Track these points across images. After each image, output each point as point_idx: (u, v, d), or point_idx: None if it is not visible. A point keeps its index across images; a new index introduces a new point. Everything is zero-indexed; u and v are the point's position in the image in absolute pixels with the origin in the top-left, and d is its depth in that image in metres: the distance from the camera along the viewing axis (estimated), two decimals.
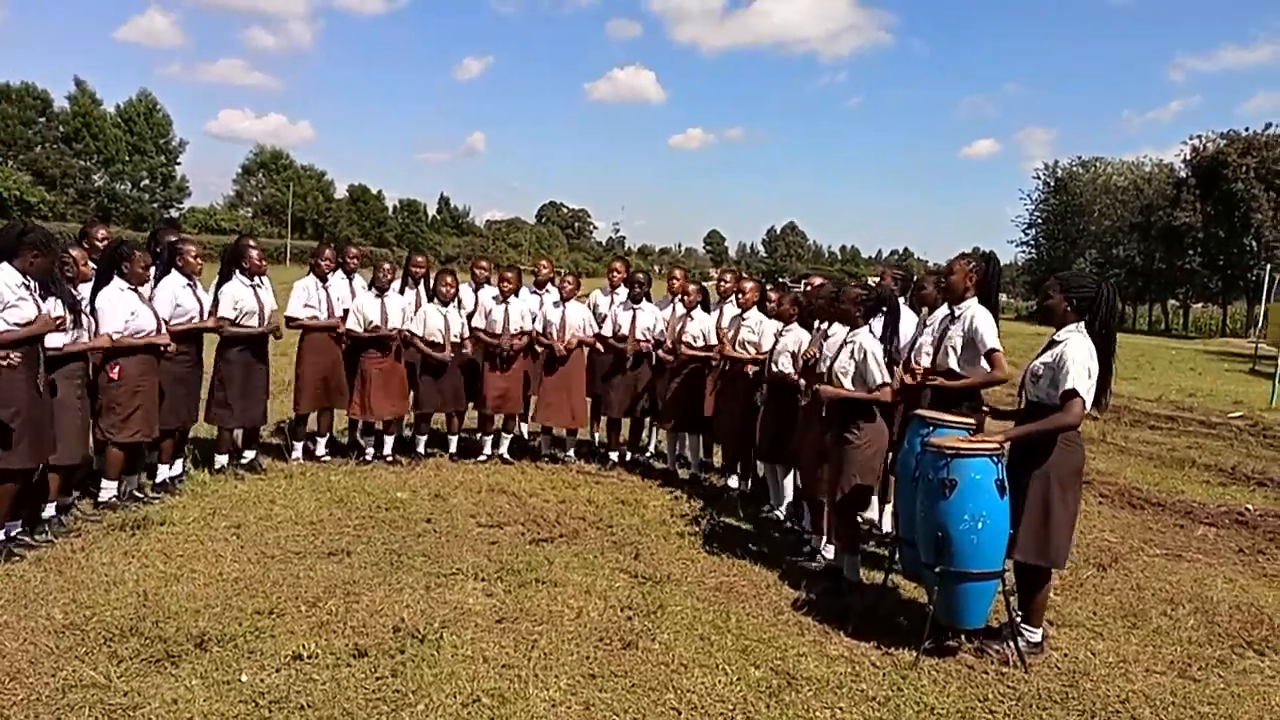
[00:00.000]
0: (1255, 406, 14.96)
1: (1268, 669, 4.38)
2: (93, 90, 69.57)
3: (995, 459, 4.20)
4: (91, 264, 5.93)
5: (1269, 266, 27.94)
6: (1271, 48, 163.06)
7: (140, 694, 3.59)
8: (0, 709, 3.44)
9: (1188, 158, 49.73)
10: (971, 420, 4.74)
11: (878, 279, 7.20)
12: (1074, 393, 4.14)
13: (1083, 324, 4.38)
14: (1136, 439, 11.24)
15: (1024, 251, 64.47)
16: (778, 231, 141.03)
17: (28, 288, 4.98)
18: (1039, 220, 63.35)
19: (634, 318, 8.02)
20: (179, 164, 75.95)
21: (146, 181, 73.41)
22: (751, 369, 6.88)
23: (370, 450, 7.80)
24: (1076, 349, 4.23)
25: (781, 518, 6.73)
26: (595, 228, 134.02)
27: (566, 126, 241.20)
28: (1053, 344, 4.40)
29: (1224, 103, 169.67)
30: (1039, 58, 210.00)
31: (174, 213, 73.78)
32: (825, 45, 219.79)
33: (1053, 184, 62.59)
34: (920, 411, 4.86)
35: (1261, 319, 29.38)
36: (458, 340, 7.76)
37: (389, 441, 7.85)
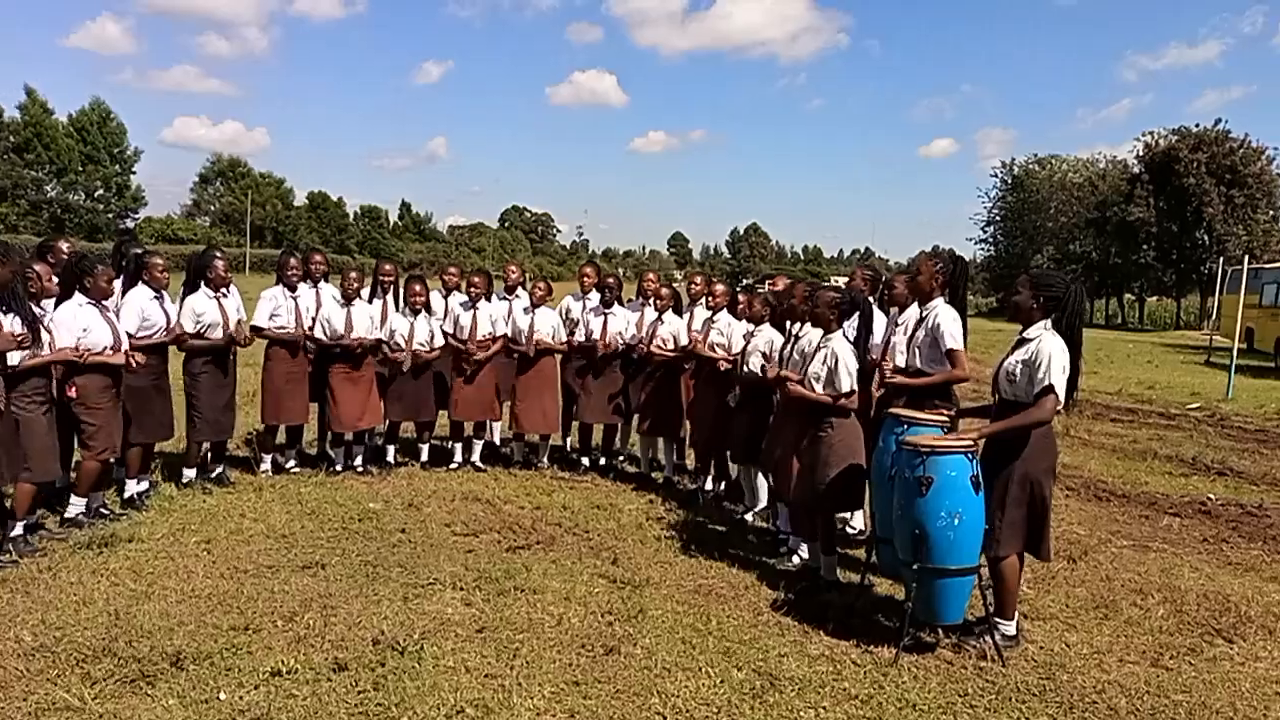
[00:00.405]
0: (1212, 398, 15.27)
1: (1237, 656, 4.47)
2: (44, 99, 68.09)
3: (970, 456, 4.26)
4: (55, 279, 5.81)
5: (1222, 260, 28.55)
6: (1217, 46, 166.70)
7: (117, 715, 3.53)
8: None
9: (1140, 154, 50.57)
10: (945, 418, 4.79)
11: (847, 279, 7.25)
12: (1050, 389, 4.20)
13: (1050, 321, 4.44)
14: (1099, 432, 11.43)
15: (983, 249, 65.17)
16: (741, 233, 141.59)
17: None
18: (997, 218, 64.11)
19: (605, 323, 8.01)
20: (134, 173, 74.51)
21: (101, 191, 71.93)
22: (724, 365, 6.90)
23: (340, 461, 7.72)
24: (1050, 346, 4.30)
25: (755, 519, 6.76)
26: (559, 231, 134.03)
27: (528, 130, 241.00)
28: (1023, 342, 4.46)
29: (1175, 100, 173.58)
30: (994, 58, 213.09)
31: (130, 223, 72.42)
32: (784, 48, 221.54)
33: (1010, 182, 63.37)
34: (895, 410, 4.91)
35: (1215, 312, 30.04)
36: (421, 348, 7.70)
37: (359, 452, 7.78)
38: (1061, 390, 4.27)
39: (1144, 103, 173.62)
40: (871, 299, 6.16)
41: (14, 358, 5.16)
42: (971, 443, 4.30)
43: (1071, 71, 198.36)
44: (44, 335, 5.38)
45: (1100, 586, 5.45)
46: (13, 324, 5.02)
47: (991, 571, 4.46)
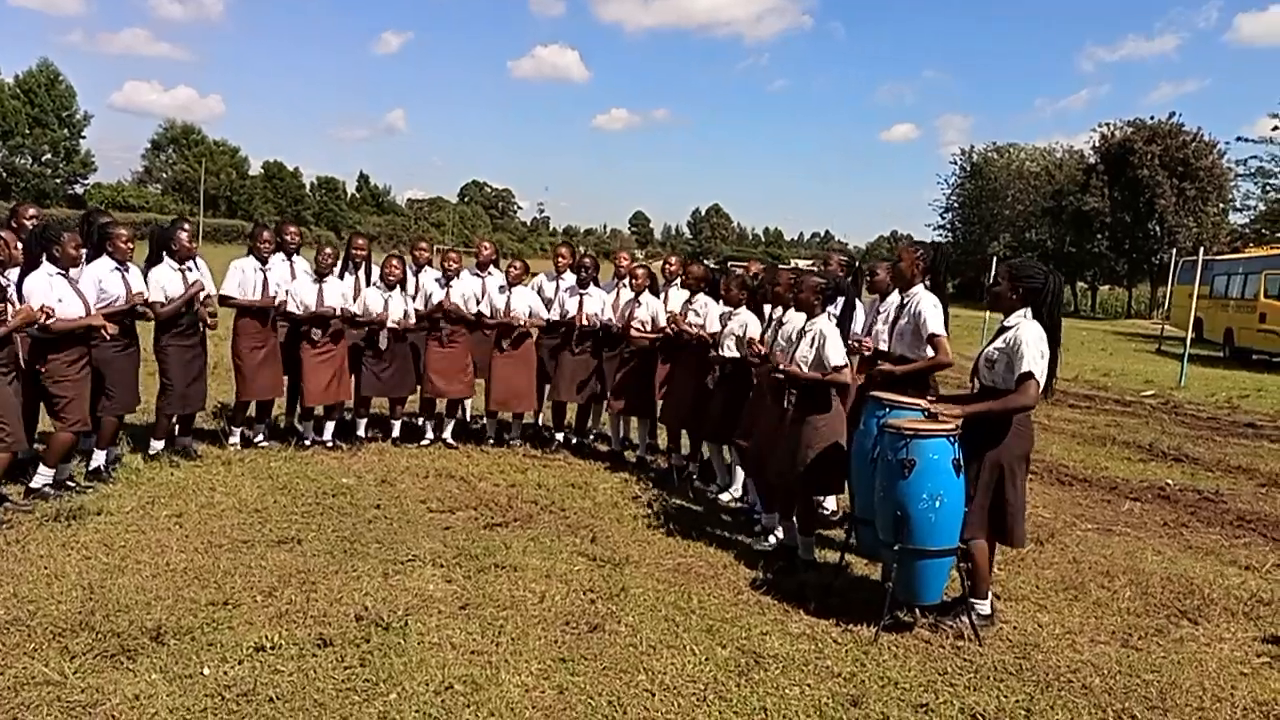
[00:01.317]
0: (1165, 386, 15.66)
1: (1202, 637, 4.61)
2: None
3: (952, 439, 4.32)
4: (19, 247, 5.65)
5: (1174, 251, 29.20)
6: (1173, 39, 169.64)
7: (99, 690, 3.47)
8: None
9: (1096, 145, 51.49)
10: (925, 402, 4.85)
11: (824, 264, 7.29)
12: (1030, 375, 4.27)
13: (1030, 310, 4.51)
14: (1059, 417, 11.66)
15: (941, 235, 65.93)
16: (703, 214, 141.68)
17: None
18: (955, 204, 64.90)
19: (580, 303, 7.98)
20: (83, 138, 72.58)
21: (49, 156, 69.91)
22: (701, 336, 6.90)
23: (309, 436, 7.63)
24: (1029, 333, 4.37)
25: (729, 499, 6.82)
26: (520, 208, 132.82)
27: (489, 104, 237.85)
28: (1003, 330, 4.53)
29: (1131, 92, 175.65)
30: (956, 45, 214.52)
31: (79, 189, 70.66)
32: (749, 28, 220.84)
33: (969, 169, 64.15)
34: (876, 393, 4.97)
35: (1166, 302, 30.75)
36: (397, 324, 7.62)
37: (329, 427, 7.70)
38: (1041, 376, 4.35)
39: (1101, 94, 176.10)
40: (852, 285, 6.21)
41: None
42: (954, 426, 4.36)
43: (1032, 60, 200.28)
44: (8, 304, 5.23)
45: (1068, 569, 5.58)
46: None
47: (964, 554, 4.54)
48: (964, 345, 19.23)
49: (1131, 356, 22.66)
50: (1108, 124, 51.56)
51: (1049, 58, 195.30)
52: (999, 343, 4.49)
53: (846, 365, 5.19)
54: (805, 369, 5.24)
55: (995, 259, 21.96)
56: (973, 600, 4.51)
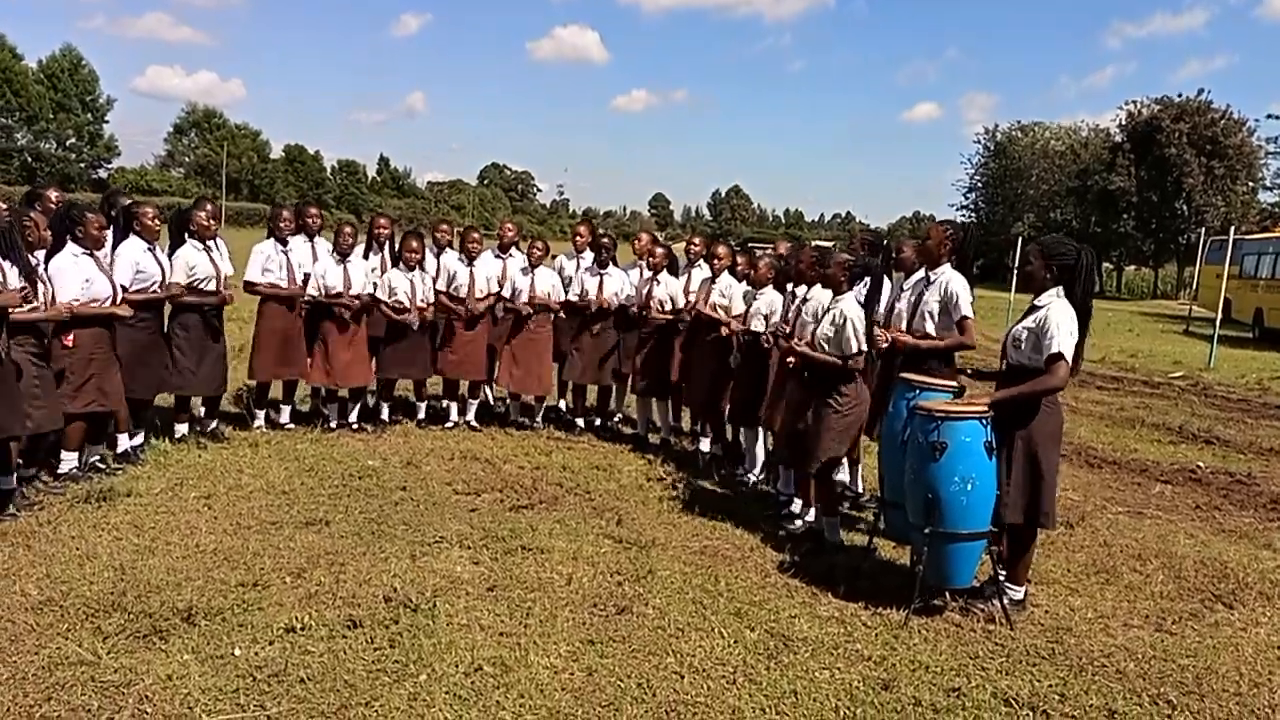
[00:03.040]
0: (1194, 367, 15.45)
1: (1238, 621, 4.54)
2: (12, 45, 66.42)
3: (984, 421, 4.27)
4: (47, 229, 5.67)
5: (1202, 230, 28.77)
6: (1202, 14, 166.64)
7: (133, 670, 3.49)
8: None
9: (1123, 123, 50.68)
10: (956, 383, 4.80)
11: (850, 244, 7.21)
12: (1059, 355, 4.21)
13: (1061, 289, 4.43)
14: (1086, 399, 11.54)
15: (964, 215, 65.25)
16: (722, 194, 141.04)
17: None
18: (979, 184, 64.16)
19: (601, 282, 7.94)
20: (106, 122, 73.11)
21: (73, 140, 70.50)
22: (725, 330, 6.86)
23: (334, 418, 7.65)
24: (1059, 313, 4.30)
25: (754, 481, 6.79)
26: (539, 190, 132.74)
27: (508, 87, 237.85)
28: (1033, 309, 4.46)
29: (1158, 69, 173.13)
30: (979, 23, 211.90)
31: (103, 173, 71.18)
32: (770, 7, 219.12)
33: (992, 148, 63.35)
34: (906, 375, 4.91)
35: (1194, 282, 30.33)
36: (423, 305, 7.63)
37: (353, 409, 7.71)
38: (1070, 356, 4.28)
39: (1127, 71, 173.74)
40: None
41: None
42: (986, 408, 4.30)
43: (1056, 38, 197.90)
44: (39, 286, 5.25)
45: (1099, 552, 5.51)
46: (11, 274, 4.90)
47: (1007, 537, 4.49)
48: (987, 326, 19.07)
49: (1159, 338, 22.39)
50: (1134, 102, 50.74)
51: (1074, 35, 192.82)
52: (1028, 321, 4.42)
53: (863, 353, 5.12)
54: (826, 347, 5.18)
55: (1020, 239, 21.72)
56: (1006, 584, 4.47)
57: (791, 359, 5.43)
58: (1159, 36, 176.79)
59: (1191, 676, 3.90)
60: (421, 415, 8.01)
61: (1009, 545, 4.52)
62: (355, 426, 7.63)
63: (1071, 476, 7.45)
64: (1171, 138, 45.95)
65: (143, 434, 6.56)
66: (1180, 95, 48.42)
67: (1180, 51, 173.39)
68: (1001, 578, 4.47)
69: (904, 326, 5.56)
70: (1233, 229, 22.25)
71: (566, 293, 8.13)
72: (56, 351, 5.53)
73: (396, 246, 7.92)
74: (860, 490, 6.47)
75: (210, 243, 6.79)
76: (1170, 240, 48.49)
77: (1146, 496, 7.00)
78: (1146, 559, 5.40)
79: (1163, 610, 4.64)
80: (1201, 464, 8.03)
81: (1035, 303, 4.48)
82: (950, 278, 5.39)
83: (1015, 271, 17.37)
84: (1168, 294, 50.18)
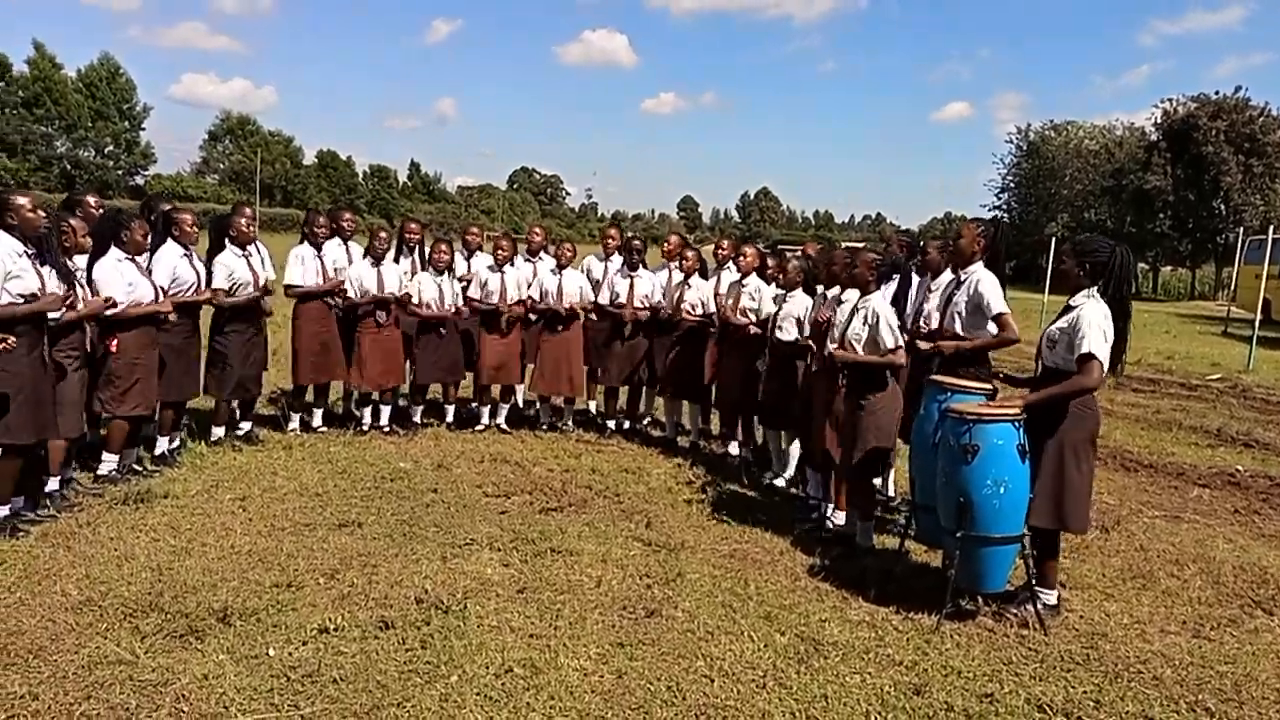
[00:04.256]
0: (1233, 369, 15.17)
1: (1278, 628, 4.46)
2: (52, 54, 67.67)
3: (1017, 424, 4.23)
4: (86, 235, 5.77)
5: (1241, 229, 28.28)
6: (1240, 10, 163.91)
7: (170, 670, 3.55)
8: (28, 687, 3.38)
9: (1158, 121, 49.92)
10: (989, 385, 4.76)
11: (884, 244, 7.18)
12: (1091, 356, 4.16)
13: (1096, 289, 4.38)
14: (1121, 402, 11.37)
15: (996, 215, 64.60)
16: (751, 197, 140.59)
17: (29, 256, 4.86)
18: (1011, 184, 63.47)
19: (631, 285, 7.96)
20: (143, 130, 74.25)
21: (111, 148, 71.66)
22: (754, 329, 6.85)
23: (367, 420, 7.72)
24: (1092, 313, 4.25)
25: (784, 484, 6.77)
26: (568, 194, 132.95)
27: (537, 91, 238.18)
28: (1068, 309, 4.41)
29: (1194, 66, 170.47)
30: (1011, 22, 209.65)
31: (139, 180, 72.31)
32: (799, 8, 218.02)
33: (1025, 148, 62.64)
34: (937, 377, 4.87)
35: (1232, 282, 29.82)
36: (452, 309, 7.68)
37: (385, 411, 7.78)
38: (1105, 357, 4.22)
39: (1163, 69, 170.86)
40: (910, 264, 6.10)
41: (53, 313, 5.14)
42: (1019, 411, 4.26)
43: (1090, 36, 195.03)
44: (77, 290, 5.35)
45: (1135, 556, 5.44)
46: (50, 278, 4.99)
47: (1033, 540, 4.44)
48: (1021, 329, 18.83)
49: (1196, 339, 22.02)
50: (1170, 99, 49.91)
51: (1108, 33, 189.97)
52: (1061, 322, 4.38)
53: (901, 347, 5.09)
54: (859, 347, 5.16)
55: (1053, 240, 21.47)
56: (1039, 589, 4.42)
57: (829, 354, 5.40)
58: (1195, 33, 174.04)
59: (1230, 683, 3.84)
60: (451, 418, 8.07)
61: (1037, 550, 4.46)
62: (387, 429, 7.70)
63: (1107, 480, 7.35)
64: (1208, 136, 45.23)
65: (179, 436, 6.66)
66: (1217, 92, 47.68)
67: (1217, 48, 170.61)
68: (1034, 582, 4.42)
69: (934, 327, 5.52)
70: (1271, 228, 21.83)
71: (596, 296, 8.15)
72: (101, 356, 5.64)
73: (427, 251, 7.98)
74: (892, 494, 6.43)
75: (250, 248, 6.89)
76: (1207, 240, 47.71)
77: (1184, 500, 6.89)
78: (1184, 564, 5.32)
79: (1200, 616, 4.57)
80: (1240, 467, 7.90)
81: (1070, 303, 4.44)
82: (981, 276, 5.33)
83: (1050, 272, 17.14)
84: (1205, 295, 49.34)
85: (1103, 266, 4.39)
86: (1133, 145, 53.33)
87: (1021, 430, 4.24)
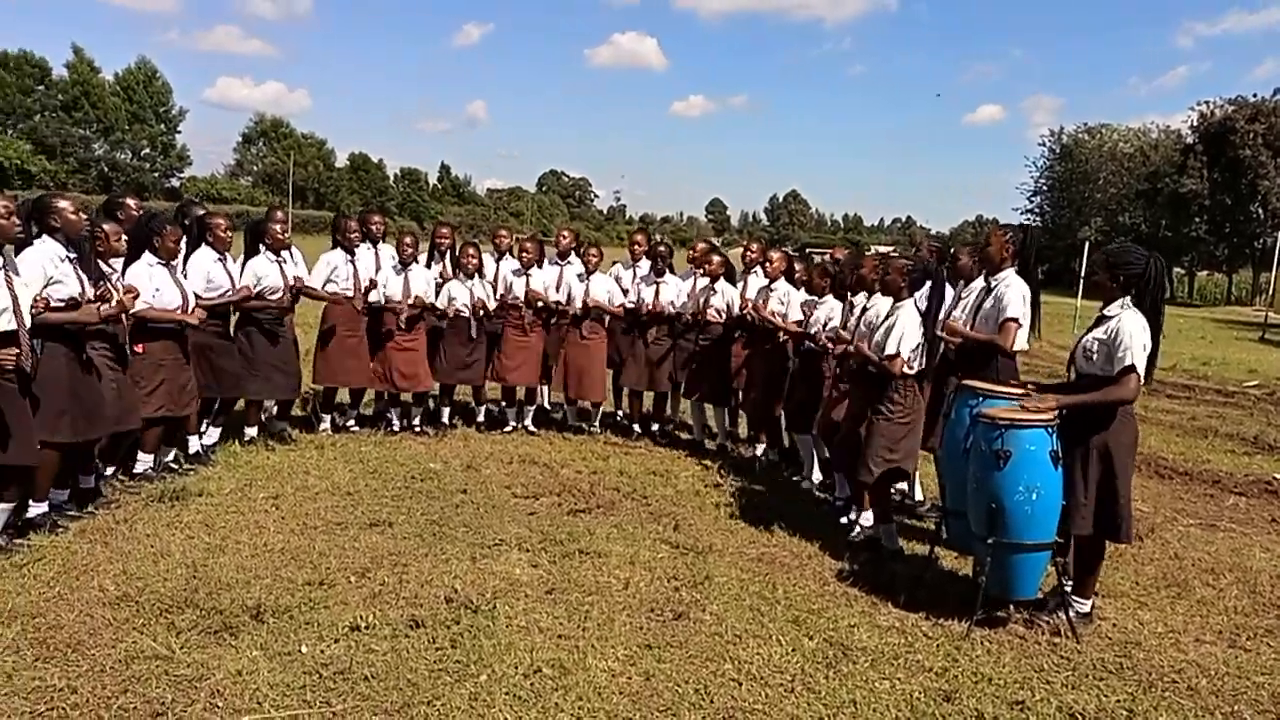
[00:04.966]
0: (1270, 375, 14.96)
1: None
2: (91, 58, 68.89)
3: (1050, 430, 4.19)
4: (122, 239, 5.85)
5: (1278, 234, 27.82)
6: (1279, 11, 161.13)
7: (204, 665, 3.60)
8: (67, 680, 3.44)
9: (1195, 124, 49.33)
10: (1021, 390, 4.72)
11: (915, 250, 7.13)
12: (1131, 368, 4.12)
13: (1130, 298, 4.33)
14: (1155, 408, 11.23)
15: (1029, 219, 63.94)
16: (780, 200, 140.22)
17: (70, 261, 4.95)
18: (1044, 187, 62.87)
19: (657, 291, 7.96)
20: (179, 132, 75.37)
21: (147, 150, 72.78)
22: (791, 329, 6.84)
23: (397, 422, 7.79)
24: (1130, 324, 4.20)
25: (812, 488, 6.75)
26: (596, 196, 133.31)
27: (567, 94, 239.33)
28: (1103, 319, 4.36)
29: (1233, 69, 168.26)
30: (1044, 23, 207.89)
31: (175, 182, 73.36)
32: (829, 10, 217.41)
33: (1058, 151, 62.03)
34: (969, 382, 4.84)
35: (1270, 287, 29.33)
36: (481, 312, 7.72)
37: (416, 413, 7.85)
38: (1143, 370, 4.18)
39: (1200, 71, 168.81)
40: (942, 269, 6.04)
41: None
42: (1052, 417, 4.23)
43: (1124, 39, 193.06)
44: (115, 291, 5.43)
45: (1170, 565, 5.37)
46: (87, 285, 5.07)
47: (1075, 550, 4.39)
48: (1054, 333, 18.68)
49: (1233, 345, 21.71)
50: (1207, 102, 49.37)
51: (1143, 35, 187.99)
52: (1099, 333, 4.32)
53: (898, 356, 5.06)
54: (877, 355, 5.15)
55: (1086, 244, 21.24)
56: (1073, 597, 4.38)
57: (843, 352, 5.39)
58: (1233, 34, 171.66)
59: (1267, 694, 3.79)
60: (480, 419, 8.12)
61: (1076, 558, 4.42)
62: (417, 430, 7.76)
63: (1141, 487, 7.25)
64: (1246, 139, 44.61)
65: (213, 435, 6.75)
66: (1255, 95, 47.04)
67: (1256, 50, 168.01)
68: (1067, 589, 4.38)
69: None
70: None
71: (623, 302, 8.16)
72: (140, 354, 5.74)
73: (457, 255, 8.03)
74: (920, 499, 6.39)
75: (284, 252, 6.96)
76: (1245, 244, 47.03)
77: (1220, 509, 6.79)
78: (1220, 573, 5.25)
79: (1237, 626, 4.51)
80: (1278, 476, 7.77)
81: (1104, 312, 4.39)
82: (1010, 283, 5.29)
83: (1083, 278, 16.92)
84: (1242, 300, 48.61)
85: (1137, 277, 4.34)
86: (1168, 148, 52.68)
87: (1055, 436, 4.20)
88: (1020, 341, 5.22)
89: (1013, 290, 5.22)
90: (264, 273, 6.79)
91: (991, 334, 5.22)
